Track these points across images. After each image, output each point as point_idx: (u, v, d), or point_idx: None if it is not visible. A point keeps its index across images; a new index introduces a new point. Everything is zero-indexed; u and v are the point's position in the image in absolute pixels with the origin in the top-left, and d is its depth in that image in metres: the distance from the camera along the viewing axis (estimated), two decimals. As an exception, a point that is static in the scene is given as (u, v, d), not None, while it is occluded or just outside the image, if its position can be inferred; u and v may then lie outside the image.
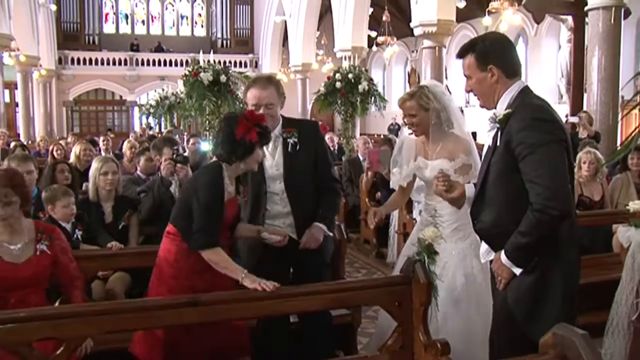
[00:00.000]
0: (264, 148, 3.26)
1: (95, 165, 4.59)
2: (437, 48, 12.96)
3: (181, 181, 4.48)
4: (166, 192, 4.54)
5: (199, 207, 3.02)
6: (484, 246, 2.77)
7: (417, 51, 24.10)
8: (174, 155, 4.53)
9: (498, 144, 2.55)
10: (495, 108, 2.62)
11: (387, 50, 21.02)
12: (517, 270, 2.55)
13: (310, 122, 3.52)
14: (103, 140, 10.19)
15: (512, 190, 2.50)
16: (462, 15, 16.96)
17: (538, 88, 18.04)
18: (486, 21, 15.19)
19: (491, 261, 2.69)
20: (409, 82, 27.67)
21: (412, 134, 3.65)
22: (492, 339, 2.79)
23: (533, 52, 21.13)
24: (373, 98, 11.07)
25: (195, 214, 3.03)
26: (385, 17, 19.42)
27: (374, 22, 19.92)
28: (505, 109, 2.54)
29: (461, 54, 2.69)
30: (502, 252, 2.56)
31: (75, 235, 4.14)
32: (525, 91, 2.59)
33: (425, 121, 3.51)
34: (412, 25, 13.26)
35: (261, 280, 2.86)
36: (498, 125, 2.54)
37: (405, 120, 3.59)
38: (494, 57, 2.59)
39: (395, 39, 20.62)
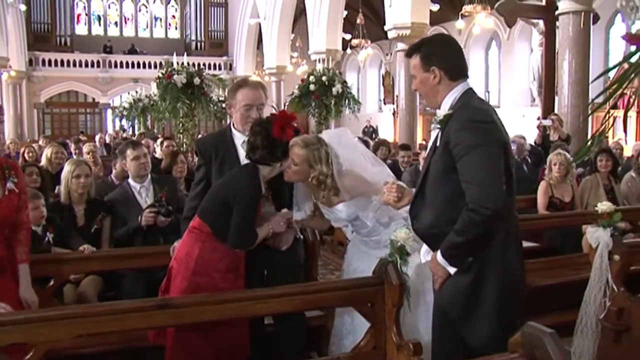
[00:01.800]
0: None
1: (67, 168, 4.54)
2: (411, 51, 13.07)
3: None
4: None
5: (240, 206, 3.05)
6: (424, 246, 2.80)
7: (391, 54, 24.24)
8: (157, 206, 4.28)
9: (438, 144, 2.59)
10: (439, 109, 2.65)
11: (361, 53, 21.15)
12: (452, 270, 2.57)
13: None
14: (75, 149, 10.01)
15: (450, 191, 2.53)
16: (436, 19, 17.11)
17: (511, 91, 18.34)
18: (459, 24, 15.40)
19: None
20: (383, 84, 27.83)
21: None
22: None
23: (506, 56, 21.43)
24: (347, 101, 11.12)
25: (235, 212, 3.05)
26: (359, 20, 19.51)
27: (348, 25, 20.00)
28: (448, 110, 2.58)
29: (409, 54, 2.73)
30: (438, 251, 2.60)
31: (46, 239, 4.09)
32: (469, 93, 2.61)
33: (305, 174, 3.28)
34: (386, 28, 13.34)
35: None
36: (439, 126, 2.58)
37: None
38: (437, 58, 2.61)
39: (369, 42, 20.72)
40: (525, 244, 5.71)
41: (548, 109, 10.56)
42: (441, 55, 2.62)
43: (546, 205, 6.05)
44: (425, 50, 2.65)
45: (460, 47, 2.74)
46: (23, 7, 23.97)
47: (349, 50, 21.69)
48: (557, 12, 9.69)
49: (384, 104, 27.63)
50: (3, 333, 2.58)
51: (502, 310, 2.54)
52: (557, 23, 9.89)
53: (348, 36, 19.75)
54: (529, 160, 8.16)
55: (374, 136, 20.51)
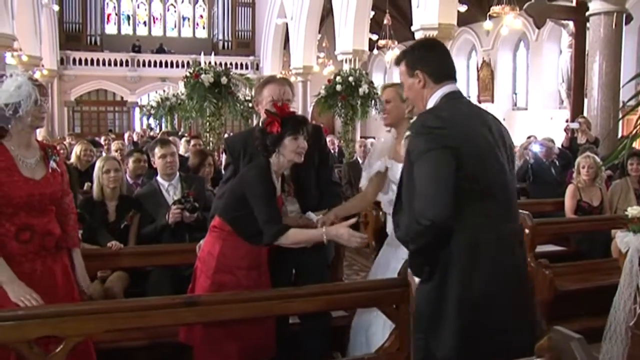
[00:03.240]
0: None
1: (98, 164, 4.64)
2: (438, 52, 12.98)
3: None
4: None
5: (258, 200, 3.04)
6: None
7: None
8: (184, 201, 4.32)
9: None
10: None
11: (388, 53, 21.08)
12: (416, 279, 2.55)
13: (313, 125, 3.53)
14: (104, 140, 10.23)
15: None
16: (463, 20, 16.99)
17: (539, 93, 18.10)
18: (487, 25, 15.25)
19: None
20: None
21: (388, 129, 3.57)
22: None
23: (534, 57, 21.18)
24: (373, 101, 11.09)
25: (256, 208, 3.04)
26: (386, 21, 19.45)
27: (375, 26, 19.95)
28: None
29: (397, 62, 2.71)
30: None
31: None
32: (450, 95, 2.53)
33: (397, 111, 3.42)
34: (413, 29, 13.26)
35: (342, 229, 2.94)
36: (408, 132, 2.53)
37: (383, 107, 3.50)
38: (420, 62, 2.58)
39: (396, 42, 20.65)
40: (553, 248, 5.74)
41: (577, 112, 10.43)
42: (425, 59, 2.58)
43: (574, 209, 5.97)
44: (410, 55, 2.62)
45: (446, 50, 2.68)
46: (56, 8, 24.39)
47: (375, 51, 21.70)
48: (588, 13, 9.54)
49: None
50: (34, 325, 2.64)
51: (463, 326, 2.38)
52: (588, 24, 9.74)
53: (375, 37, 19.71)
54: (557, 163, 8.07)
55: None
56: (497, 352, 2.36)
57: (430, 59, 2.59)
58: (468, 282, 2.38)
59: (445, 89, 2.53)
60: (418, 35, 13.01)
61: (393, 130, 3.58)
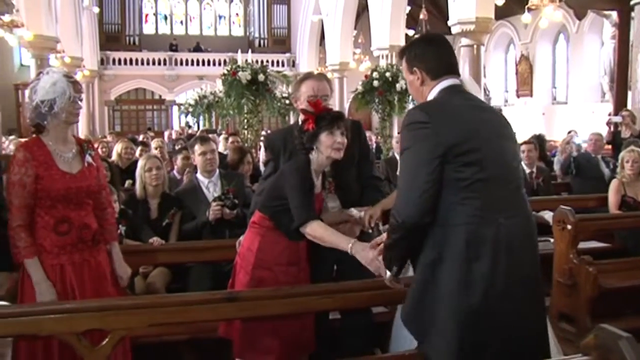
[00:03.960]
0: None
1: (140, 163, 4.74)
2: (475, 46, 12.78)
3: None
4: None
5: (291, 190, 3.05)
6: None
7: (454, 49, 23.88)
8: (223, 198, 4.37)
9: None
10: None
11: (424, 48, 20.86)
12: (387, 273, 2.54)
13: (353, 121, 3.52)
14: (143, 138, 10.39)
15: None
16: (501, 13, 16.72)
17: (580, 86, 17.75)
18: (525, 18, 14.94)
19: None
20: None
21: None
22: None
23: (575, 50, 20.77)
24: (411, 97, 11.00)
25: (289, 198, 3.05)
26: (422, 16, 19.31)
27: (411, 21, 19.82)
28: None
29: (399, 59, 2.69)
30: None
31: (119, 231, 4.24)
32: (447, 90, 2.48)
33: None
34: (449, 23, 13.12)
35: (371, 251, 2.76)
36: None
37: None
38: (418, 59, 2.55)
39: (433, 37, 20.44)
40: (596, 244, 5.61)
41: (620, 105, 10.20)
42: (422, 55, 2.54)
43: (618, 204, 5.84)
44: (409, 52, 2.58)
45: (444, 44, 2.60)
46: (96, 10, 24.91)
47: (411, 46, 21.48)
48: (632, 2, 9.31)
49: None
50: (82, 318, 2.71)
51: (461, 341, 2.27)
52: (633, 14, 9.50)
53: (411, 32, 19.55)
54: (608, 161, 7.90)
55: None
56: None
57: (427, 55, 2.54)
58: (449, 280, 2.29)
59: (444, 83, 2.49)
60: (455, 30, 12.88)
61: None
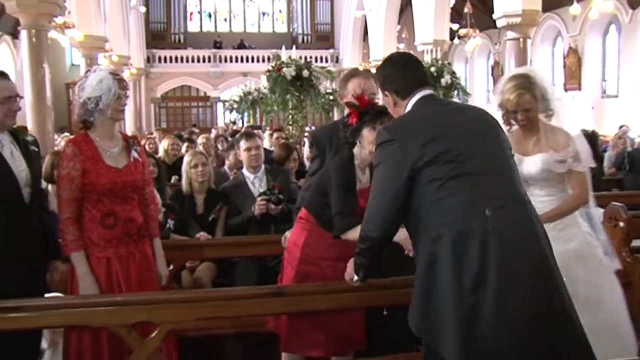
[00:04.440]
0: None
1: (186, 159, 4.78)
2: (521, 39, 12.48)
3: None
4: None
5: (333, 190, 3.06)
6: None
7: (500, 43, 23.47)
8: (269, 194, 4.40)
9: None
10: None
11: (469, 43, 20.60)
12: (355, 277, 2.68)
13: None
14: (189, 134, 10.53)
15: None
16: (548, 5, 16.38)
17: (631, 79, 17.13)
18: (574, 10, 14.56)
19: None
20: (492, 75, 27.02)
21: (510, 129, 3.34)
22: None
23: (627, 41, 20.11)
24: (456, 91, 10.89)
25: (331, 198, 3.06)
26: (467, 9, 19.02)
27: (456, 15, 19.55)
28: None
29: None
30: None
31: (167, 225, 4.31)
32: (417, 103, 2.52)
33: (536, 114, 3.23)
34: (495, 16, 12.87)
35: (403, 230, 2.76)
36: None
37: (516, 117, 3.23)
38: (385, 83, 2.64)
39: (477, 31, 20.15)
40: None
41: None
42: (388, 80, 2.62)
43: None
44: (378, 75, 2.68)
45: (409, 62, 2.65)
46: (143, 9, 25.38)
47: (456, 41, 21.21)
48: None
49: (493, 94, 26.81)
50: (131, 312, 2.79)
51: (463, 334, 2.20)
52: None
53: (455, 26, 19.31)
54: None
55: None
56: None
57: (392, 78, 2.60)
58: (458, 283, 2.22)
59: (415, 98, 2.53)
60: (500, 23, 12.63)
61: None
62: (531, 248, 2.27)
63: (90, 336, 2.92)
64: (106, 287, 2.99)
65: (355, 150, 3.11)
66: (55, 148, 9.49)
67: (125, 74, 22.09)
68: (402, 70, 2.60)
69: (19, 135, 3.08)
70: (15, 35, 20.81)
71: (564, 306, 2.28)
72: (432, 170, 2.29)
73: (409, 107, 2.54)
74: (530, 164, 3.17)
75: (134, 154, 3.16)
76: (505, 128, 3.15)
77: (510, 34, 12.58)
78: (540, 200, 3.13)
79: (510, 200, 2.33)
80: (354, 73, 3.55)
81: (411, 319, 2.42)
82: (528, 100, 3.17)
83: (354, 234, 2.91)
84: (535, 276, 2.23)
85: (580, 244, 3.16)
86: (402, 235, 2.70)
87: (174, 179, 6.73)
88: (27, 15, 10.11)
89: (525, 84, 3.20)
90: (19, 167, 2.98)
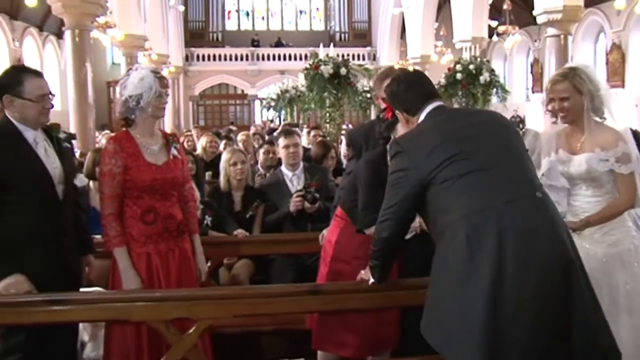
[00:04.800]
0: None
1: (225, 157, 4.80)
2: (562, 36, 12.21)
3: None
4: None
5: (361, 186, 3.10)
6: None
7: (540, 40, 23.07)
8: (304, 192, 4.40)
9: None
10: None
11: (508, 40, 20.26)
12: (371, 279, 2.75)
13: None
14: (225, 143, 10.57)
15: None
16: (590, 0, 15.99)
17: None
18: (618, 4, 14.15)
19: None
20: (531, 73, 26.58)
21: (555, 122, 3.29)
22: None
23: (676, 36, 19.54)
24: (495, 89, 10.76)
25: (359, 195, 3.10)
26: (506, 6, 18.69)
27: (495, 11, 19.26)
28: None
29: None
30: None
31: (205, 222, 4.35)
32: (426, 117, 2.58)
33: (577, 106, 3.02)
34: (535, 13, 12.64)
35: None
36: None
37: (553, 106, 3.11)
38: (395, 103, 2.73)
39: (516, 28, 19.79)
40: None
41: None
42: (397, 99, 2.70)
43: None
44: (388, 94, 2.76)
45: (413, 78, 2.75)
46: (182, 8, 25.70)
47: (495, 38, 20.92)
48: None
49: (532, 92, 26.40)
50: (169, 307, 2.83)
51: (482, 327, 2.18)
52: None
53: (494, 23, 19.03)
54: None
55: (520, 126, 19.65)
56: None
57: (400, 97, 2.68)
58: (471, 277, 2.22)
59: (424, 113, 2.59)
60: (540, 20, 12.41)
61: (560, 124, 3.23)
62: (545, 240, 2.25)
63: (131, 330, 2.96)
64: (147, 283, 3.03)
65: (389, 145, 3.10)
66: (97, 145, 9.68)
67: (164, 72, 22.39)
68: (409, 89, 2.66)
69: (52, 132, 3.11)
70: (60, 35, 21.33)
71: (583, 297, 2.26)
72: (444, 172, 2.35)
73: (420, 120, 2.60)
74: (576, 164, 3.05)
75: (174, 151, 3.20)
76: (551, 120, 3.11)
77: (551, 31, 12.34)
78: (587, 200, 3.05)
79: (522, 193, 2.33)
80: (388, 73, 3.53)
81: (426, 324, 2.41)
82: (563, 89, 3.03)
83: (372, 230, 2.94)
84: (551, 269, 2.22)
85: (623, 250, 3.00)
86: (416, 223, 2.83)
87: (207, 175, 6.79)
88: (71, 15, 10.36)
89: (567, 73, 3.08)
90: (53, 164, 3.02)
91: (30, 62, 21.09)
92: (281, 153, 4.76)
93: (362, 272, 2.85)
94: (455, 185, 2.33)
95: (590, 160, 2.99)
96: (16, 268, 2.84)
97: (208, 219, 4.38)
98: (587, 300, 2.27)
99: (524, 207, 2.29)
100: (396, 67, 3.90)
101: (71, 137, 3.31)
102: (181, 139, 10.33)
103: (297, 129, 6.66)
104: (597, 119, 3.05)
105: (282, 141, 4.73)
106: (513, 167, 2.40)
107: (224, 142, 8.19)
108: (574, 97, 3.01)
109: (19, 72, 2.99)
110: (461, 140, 2.41)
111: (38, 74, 3.03)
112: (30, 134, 2.97)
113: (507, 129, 2.57)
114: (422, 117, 2.59)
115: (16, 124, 2.94)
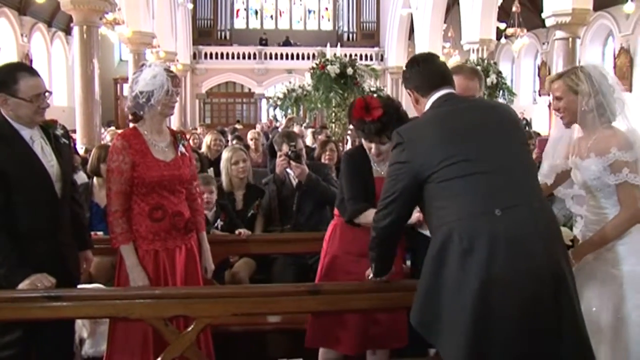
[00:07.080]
0: None
1: (225, 155, 4.80)
2: (570, 39, 12.16)
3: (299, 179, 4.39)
4: (282, 187, 4.54)
5: (343, 179, 3.16)
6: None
7: (548, 43, 22.98)
8: (289, 152, 4.37)
9: None
10: None
11: (516, 42, 20.21)
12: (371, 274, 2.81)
13: None
14: (232, 131, 10.60)
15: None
16: (600, 3, 15.92)
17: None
18: (628, 8, 14.09)
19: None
20: (539, 75, 26.49)
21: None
22: None
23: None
24: (501, 92, 10.72)
25: (343, 188, 3.15)
26: (515, 8, 18.65)
27: (503, 14, 19.21)
28: None
29: None
30: None
31: (215, 225, 4.35)
32: (435, 103, 2.56)
33: (572, 106, 2.81)
34: (543, 15, 12.60)
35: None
36: None
37: (554, 105, 3.00)
38: (407, 81, 2.70)
39: (525, 30, 19.75)
40: None
41: None
42: (410, 78, 2.68)
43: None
44: (403, 75, 2.75)
45: (430, 61, 2.69)
46: (190, 6, 25.72)
47: (503, 40, 20.87)
48: None
49: (539, 95, 26.31)
50: (167, 305, 2.83)
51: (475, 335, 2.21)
52: None
53: (502, 25, 18.98)
54: None
55: (527, 129, 19.58)
56: None
57: (414, 76, 2.66)
58: (462, 279, 2.25)
59: (434, 97, 2.57)
60: (549, 23, 12.37)
61: (575, 127, 2.96)
62: (537, 249, 2.25)
63: (137, 327, 2.96)
64: (154, 280, 3.03)
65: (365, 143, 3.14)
66: (102, 142, 9.71)
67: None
68: (422, 67, 2.65)
69: (49, 129, 3.08)
70: (68, 31, 21.42)
71: (572, 308, 2.28)
72: (442, 172, 2.34)
73: (428, 105, 2.58)
74: (580, 170, 2.84)
75: (181, 148, 3.20)
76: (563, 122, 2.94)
77: (559, 34, 12.30)
78: (593, 212, 2.84)
79: (520, 200, 2.31)
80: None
81: (413, 315, 2.45)
82: (556, 88, 2.88)
83: (365, 218, 2.97)
84: (541, 279, 2.22)
85: (627, 272, 2.73)
86: (414, 218, 2.83)
87: (210, 173, 6.78)
88: (80, 11, 10.40)
89: (563, 72, 2.94)
90: (49, 162, 2.99)
91: (38, 57, 21.21)
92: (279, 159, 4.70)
93: (368, 271, 2.86)
94: (453, 186, 2.32)
95: (583, 168, 2.80)
96: (32, 270, 2.82)
97: (219, 223, 4.38)
98: (578, 316, 2.29)
99: (518, 215, 2.27)
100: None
101: (67, 132, 3.27)
102: (188, 137, 10.40)
103: (301, 129, 6.68)
104: (600, 118, 2.81)
105: (285, 148, 4.71)
106: (513, 173, 2.38)
107: (234, 142, 8.18)
108: (567, 97, 2.85)
109: (14, 70, 2.93)
110: (462, 141, 2.38)
111: (33, 73, 2.97)
112: (26, 133, 2.94)
113: (514, 130, 2.53)
114: (431, 100, 2.57)
115: (11, 122, 2.90)
